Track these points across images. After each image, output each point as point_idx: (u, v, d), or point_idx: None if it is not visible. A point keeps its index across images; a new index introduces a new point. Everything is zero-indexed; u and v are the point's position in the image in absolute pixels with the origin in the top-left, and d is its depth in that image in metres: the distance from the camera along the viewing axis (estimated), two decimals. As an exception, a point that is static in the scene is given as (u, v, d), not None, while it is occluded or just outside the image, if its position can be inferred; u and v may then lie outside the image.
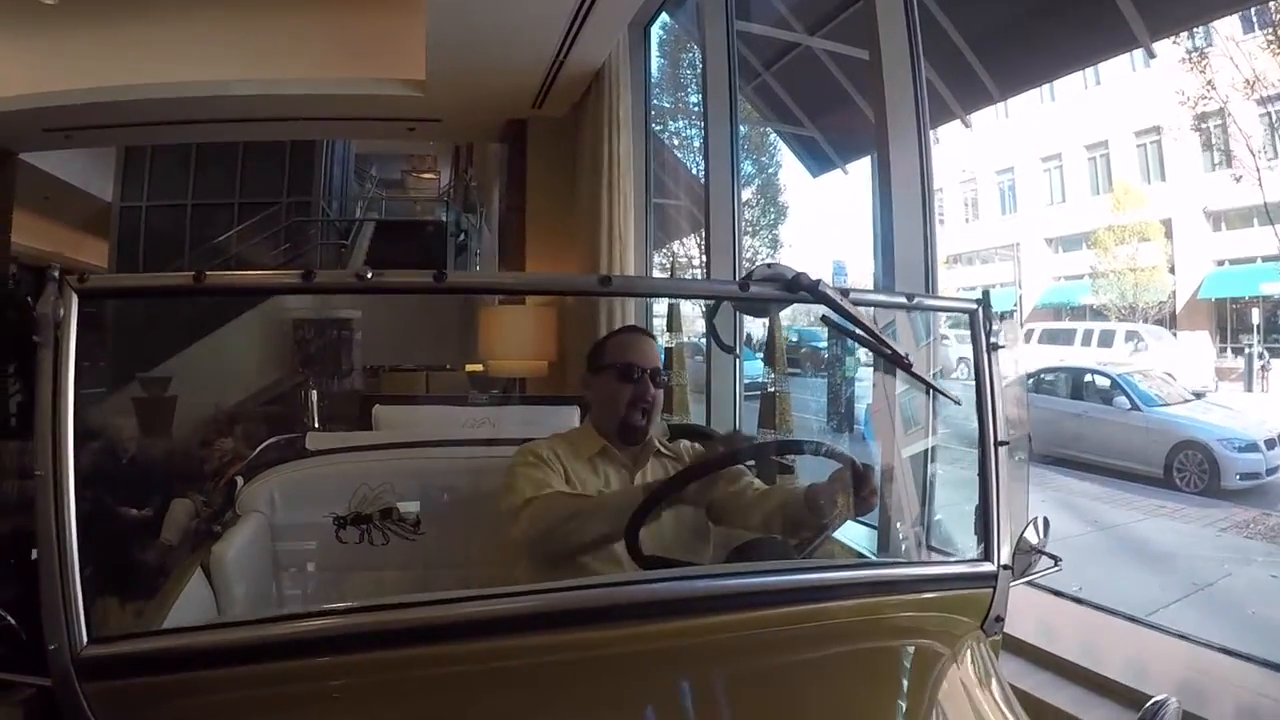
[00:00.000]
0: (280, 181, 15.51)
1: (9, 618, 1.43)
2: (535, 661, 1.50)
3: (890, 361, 1.85)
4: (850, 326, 1.78)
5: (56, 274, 1.37)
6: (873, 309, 1.93)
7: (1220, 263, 9.31)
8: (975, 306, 1.92)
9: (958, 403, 1.99)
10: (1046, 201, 11.61)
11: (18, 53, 7.37)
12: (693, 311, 6.54)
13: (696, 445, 2.63)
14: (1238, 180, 8.65)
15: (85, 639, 1.35)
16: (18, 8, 7.17)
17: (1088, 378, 8.61)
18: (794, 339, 9.77)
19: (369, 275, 1.49)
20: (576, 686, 1.51)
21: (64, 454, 1.34)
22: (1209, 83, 8.40)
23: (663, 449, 2.55)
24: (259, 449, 3.23)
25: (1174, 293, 9.68)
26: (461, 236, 15.72)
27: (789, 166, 15.53)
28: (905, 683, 1.67)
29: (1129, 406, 7.89)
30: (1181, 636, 3.05)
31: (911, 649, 1.74)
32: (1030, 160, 11.80)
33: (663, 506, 2.11)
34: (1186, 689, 2.74)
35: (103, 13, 7.29)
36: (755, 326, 5.97)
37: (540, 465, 2.35)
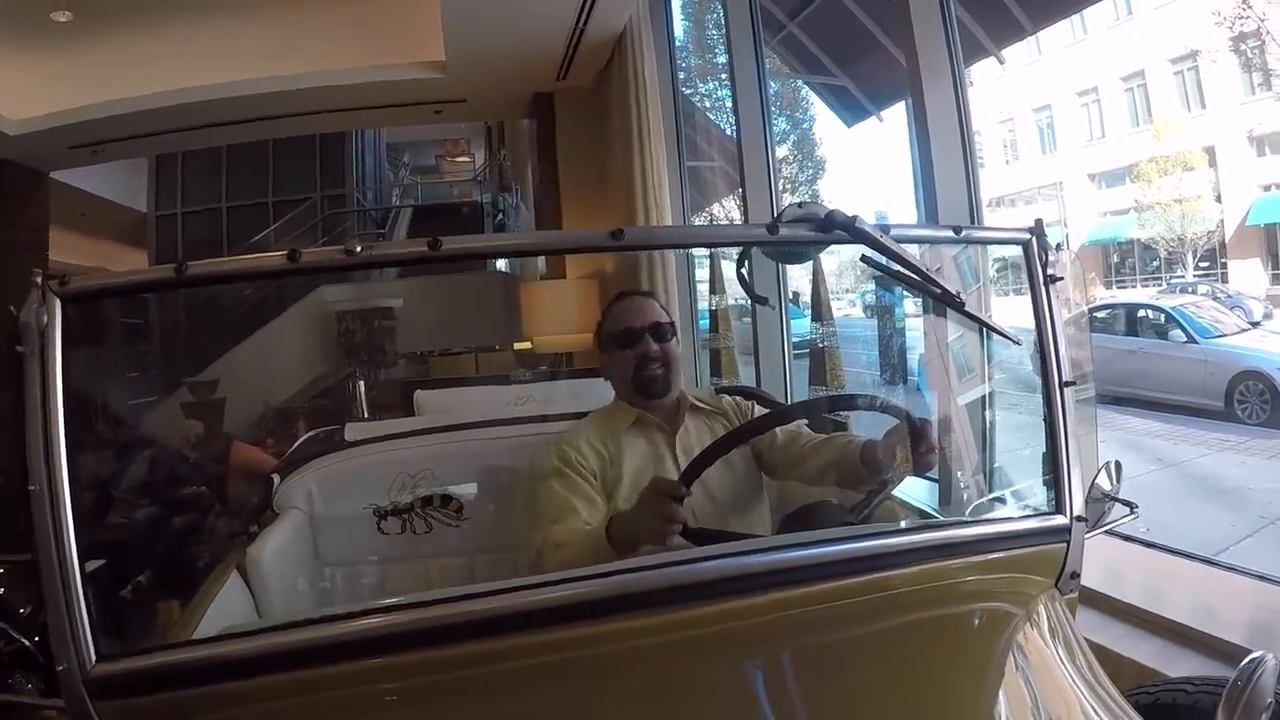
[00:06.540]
0: (313, 176, 15.67)
1: (23, 639, 1.38)
2: (592, 653, 1.42)
3: (940, 301, 1.70)
4: (893, 265, 1.65)
5: (38, 279, 1.30)
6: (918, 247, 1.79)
7: (1266, 188, 9.03)
8: (1028, 237, 1.78)
9: (1017, 342, 1.86)
10: (1086, 137, 11.33)
11: (35, 73, 7.40)
12: (737, 273, 6.41)
13: (739, 400, 2.57)
14: (1280, 101, 8.39)
15: (94, 657, 1.28)
16: (32, 28, 7.14)
17: (1141, 312, 8.39)
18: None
19: (358, 250, 1.39)
20: (635, 676, 1.43)
21: (57, 466, 1.27)
22: (1244, 1, 8.10)
23: (700, 403, 2.49)
24: (296, 444, 3.20)
25: (1222, 221, 9.42)
26: (499, 216, 15.75)
27: (823, 119, 15.47)
28: (978, 652, 1.55)
29: (1185, 339, 7.66)
30: (1261, 577, 2.95)
31: (982, 615, 1.63)
32: (1067, 96, 11.51)
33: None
34: (1257, 628, 2.71)
35: (115, 25, 7.29)
36: (802, 284, 5.87)
37: (565, 473, 2.28)
